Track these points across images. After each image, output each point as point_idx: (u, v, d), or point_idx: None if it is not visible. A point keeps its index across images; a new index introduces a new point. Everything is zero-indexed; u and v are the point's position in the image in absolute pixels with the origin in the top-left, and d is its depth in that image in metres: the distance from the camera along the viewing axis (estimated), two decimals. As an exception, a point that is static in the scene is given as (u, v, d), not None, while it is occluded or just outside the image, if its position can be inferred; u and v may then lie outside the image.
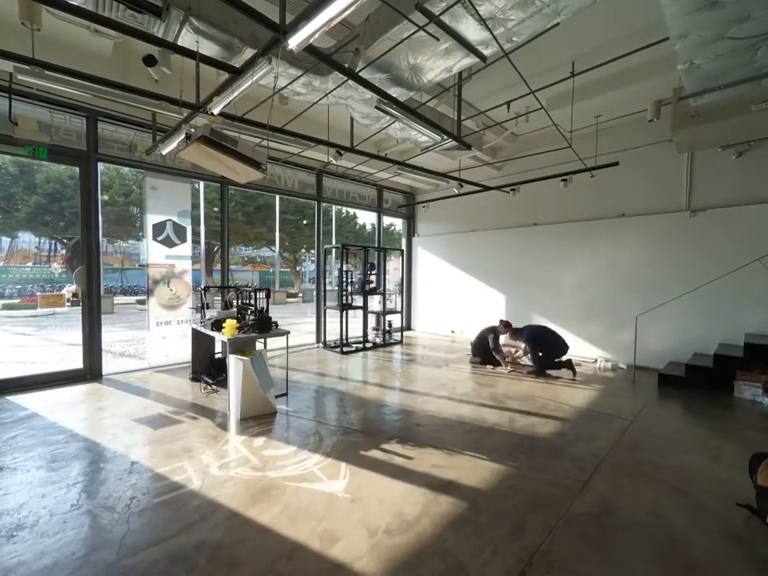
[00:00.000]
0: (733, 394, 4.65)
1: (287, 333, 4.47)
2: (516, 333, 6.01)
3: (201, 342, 5.15)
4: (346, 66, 3.13)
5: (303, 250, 25.44)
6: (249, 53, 3.21)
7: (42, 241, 23.71)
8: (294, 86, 3.74)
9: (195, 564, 1.92)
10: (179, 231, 5.79)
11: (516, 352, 6.32)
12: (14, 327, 11.16)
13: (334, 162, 5.71)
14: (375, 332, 8.30)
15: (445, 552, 2.02)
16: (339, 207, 11.44)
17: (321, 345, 7.67)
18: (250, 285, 4.99)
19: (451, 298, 8.87)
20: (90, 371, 5.13)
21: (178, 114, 3.93)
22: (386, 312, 7.97)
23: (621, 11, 3.80)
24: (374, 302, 8.40)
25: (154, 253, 5.58)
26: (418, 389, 4.94)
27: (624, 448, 3.28)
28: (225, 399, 4.22)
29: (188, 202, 5.89)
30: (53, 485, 2.61)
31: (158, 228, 5.61)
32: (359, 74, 3.35)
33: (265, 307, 4.63)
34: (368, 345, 7.62)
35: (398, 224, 11.85)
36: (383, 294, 8.06)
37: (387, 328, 8.09)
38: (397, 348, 7.68)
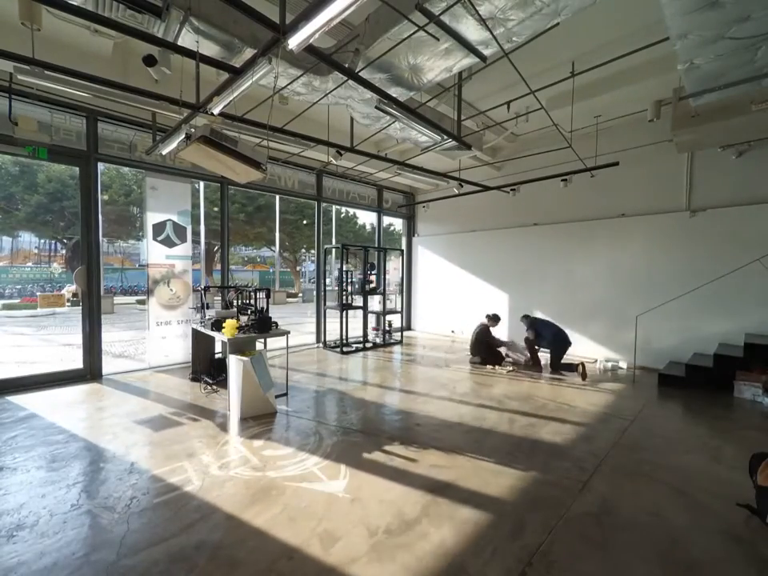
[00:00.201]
0: (733, 394, 4.65)
1: (287, 333, 4.47)
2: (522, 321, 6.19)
3: (201, 342, 5.15)
4: (346, 66, 3.13)
5: (303, 250, 25.44)
6: (249, 53, 3.21)
7: (42, 241, 23.72)
8: (294, 85, 3.74)
9: (195, 564, 1.92)
10: (179, 231, 5.79)
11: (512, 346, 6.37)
12: (14, 327, 11.16)
13: (334, 161, 5.71)
14: (375, 332, 8.30)
15: (445, 552, 2.02)
16: (339, 207, 11.44)
17: (321, 345, 7.66)
18: (250, 285, 4.99)
19: (451, 297, 8.86)
20: (90, 371, 5.13)
21: (177, 114, 3.93)
22: (385, 312, 7.97)
23: (621, 11, 3.80)
24: (374, 302, 8.40)
25: (153, 253, 5.58)
26: (417, 389, 4.94)
27: (624, 448, 3.28)
28: (225, 399, 4.22)
29: (188, 202, 5.89)
30: (53, 485, 2.62)
31: (158, 228, 5.61)
32: (359, 73, 3.35)
33: (265, 307, 4.63)
34: (368, 345, 7.62)
35: (397, 224, 11.85)
36: (383, 294, 8.06)
37: (387, 328, 8.09)
38: (397, 348, 7.68)
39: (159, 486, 2.61)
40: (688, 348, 5.56)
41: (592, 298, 6.61)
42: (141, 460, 2.97)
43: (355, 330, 7.84)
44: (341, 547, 2.04)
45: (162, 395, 4.52)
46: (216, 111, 3.56)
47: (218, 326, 4.31)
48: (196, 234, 6.40)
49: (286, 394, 4.52)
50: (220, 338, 4.23)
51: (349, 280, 7.37)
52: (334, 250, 8.05)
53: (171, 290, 5.73)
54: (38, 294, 16.04)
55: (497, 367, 5.99)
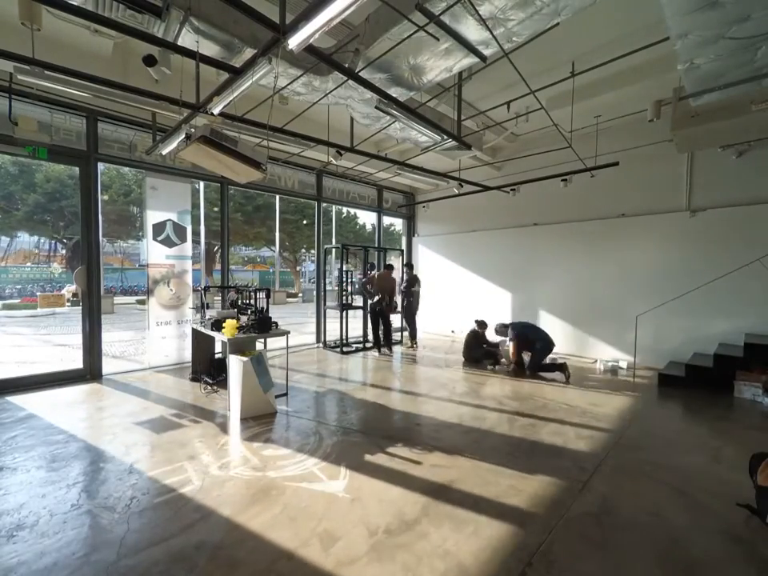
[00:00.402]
0: (733, 394, 4.65)
1: (287, 333, 4.47)
2: (505, 328, 6.05)
3: (201, 342, 5.14)
4: (346, 66, 3.13)
5: (303, 250, 25.45)
6: (249, 53, 3.21)
7: (42, 241, 23.72)
8: (294, 85, 3.74)
9: (195, 564, 1.92)
10: (179, 231, 5.79)
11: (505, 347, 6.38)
12: (14, 327, 11.16)
13: (334, 161, 5.71)
14: (375, 332, 8.28)
15: (445, 552, 2.02)
16: (339, 207, 11.44)
17: (321, 345, 7.66)
18: (250, 285, 4.99)
19: (451, 297, 8.86)
20: (90, 371, 5.13)
21: (178, 114, 3.93)
22: (386, 312, 7.95)
23: (621, 11, 3.80)
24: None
25: (153, 253, 5.58)
26: (417, 389, 4.94)
27: (624, 448, 3.28)
28: (225, 399, 4.21)
29: (188, 202, 5.89)
30: (53, 485, 2.61)
31: (158, 228, 5.61)
32: (359, 73, 3.35)
33: (265, 307, 4.63)
34: (368, 345, 7.62)
35: (398, 224, 11.85)
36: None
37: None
38: (397, 348, 7.67)
39: (159, 486, 2.61)
40: (688, 348, 5.56)
41: (592, 297, 6.61)
42: (141, 460, 2.97)
43: (355, 330, 7.84)
44: (341, 547, 2.04)
45: (162, 395, 4.52)
46: (216, 111, 3.57)
47: (218, 325, 4.31)
48: (196, 234, 6.40)
49: (286, 394, 4.52)
50: (220, 338, 4.23)
51: (349, 280, 7.38)
52: (333, 249, 8.06)
53: (171, 290, 5.73)
54: (37, 294, 16.05)
55: (496, 367, 5.99)
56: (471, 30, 2.95)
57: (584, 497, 2.55)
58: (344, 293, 7.20)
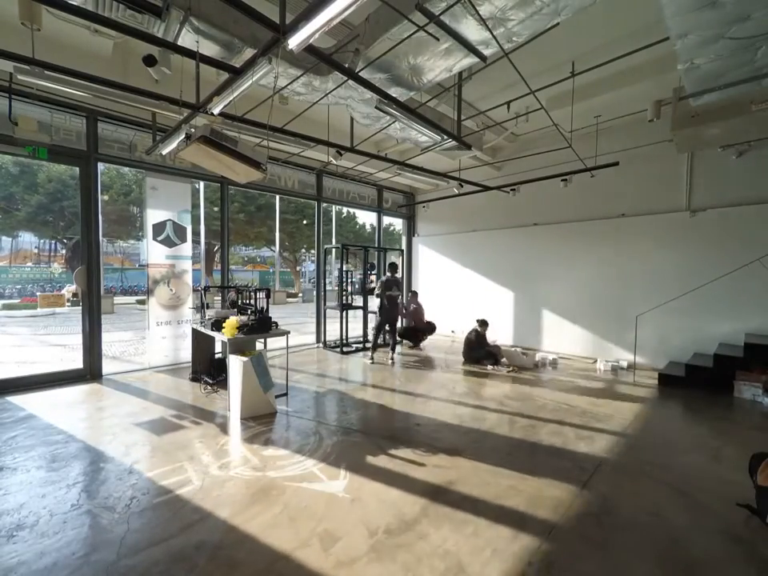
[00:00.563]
0: (733, 394, 4.65)
1: (287, 333, 4.47)
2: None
3: (201, 342, 5.14)
4: (346, 66, 3.13)
5: (303, 250, 25.45)
6: (249, 53, 3.21)
7: (42, 241, 23.73)
8: (294, 85, 3.74)
9: (195, 564, 1.92)
10: (179, 231, 5.79)
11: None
12: (14, 327, 11.16)
13: (334, 161, 5.71)
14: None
15: (445, 552, 2.02)
16: (339, 207, 11.45)
17: (321, 345, 7.66)
18: (250, 285, 4.99)
19: (451, 297, 8.86)
20: (90, 371, 5.13)
21: (178, 114, 3.93)
22: (386, 312, 7.94)
23: (621, 11, 3.80)
24: (374, 302, 8.38)
25: (153, 253, 5.58)
26: (417, 389, 4.94)
27: (624, 448, 3.28)
28: (225, 399, 4.21)
29: (188, 202, 5.89)
30: (53, 485, 2.61)
31: (158, 228, 5.61)
32: (359, 73, 3.35)
33: (265, 307, 4.63)
34: (368, 345, 7.61)
35: (397, 224, 11.86)
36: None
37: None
38: (397, 348, 7.67)
39: (159, 486, 2.61)
40: (688, 348, 5.56)
41: (592, 297, 6.60)
42: (141, 460, 2.97)
43: (355, 330, 7.84)
44: (341, 547, 2.04)
45: (162, 395, 4.52)
46: (216, 111, 3.57)
47: (217, 325, 4.31)
48: (196, 234, 6.41)
49: (286, 394, 4.52)
50: (220, 338, 4.23)
51: (349, 280, 7.37)
52: (333, 249, 8.06)
53: (171, 290, 5.73)
54: (38, 293, 16.05)
55: (496, 367, 5.99)
56: (471, 30, 2.95)
57: (584, 497, 2.55)
58: (344, 293, 7.20)
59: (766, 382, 4.44)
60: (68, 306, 15.18)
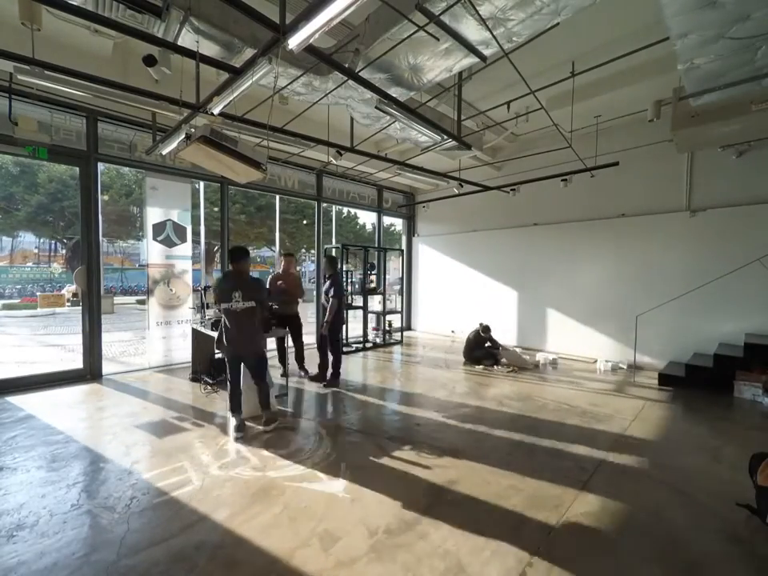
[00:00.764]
0: (733, 394, 4.65)
1: (286, 333, 4.47)
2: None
3: (201, 342, 5.14)
4: (346, 66, 3.13)
5: (303, 250, 25.43)
6: (249, 53, 3.21)
7: (42, 241, 23.72)
8: (294, 85, 3.74)
9: (195, 564, 1.92)
10: (179, 231, 5.79)
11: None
12: (14, 327, 11.16)
13: (334, 161, 5.70)
14: (375, 332, 8.29)
15: (445, 552, 2.02)
16: (339, 207, 11.45)
17: (321, 345, 7.65)
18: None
19: (451, 297, 8.86)
20: (90, 371, 5.12)
21: (178, 114, 3.93)
22: (386, 312, 7.97)
23: (621, 11, 3.80)
24: (374, 302, 8.39)
25: (153, 253, 5.58)
26: (417, 389, 4.93)
27: (624, 448, 3.28)
28: (225, 400, 4.20)
29: (188, 202, 5.89)
30: (53, 485, 2.61)
31: (158, 228, 5.61)
32: (359, 73, 3.34)
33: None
34: (368, 345, 7.62)
35: (398, 224, 11.85)
36: (383, 294, 8.06)
37: (387, 328, 8.09)
38: (397, 348, 7.68)
39: (159, 485, 2.61)
40: (688, 348, 5.56)
41: (592, 297, 6.60)
42: (141, 460, 2.97)
43: (355, 330, 7.84)
44: (341, 547, 2.04)
45: (162, 395, 4.52)
46: (216, 111, 3.56)
47: (217, 326, 4.31)
48: (196, 234, 6.40)
49: (285, 394, 4.52)
50: (220, 338, 4.22)
51: (349, 280, 7.37)
52: (334, 249, 8.04)
53: (171, 289, 5.73)
54: (38, 293, 16.04)
55: (496, 367, 5.99)
56: (471, 30, 2.95)
57: (584, 497, 2.55)
58: (344, 293, 7.19)
59: (766, 381, 4.43)
60: (68, 306, 15.14)
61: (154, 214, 5.56)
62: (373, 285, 7.77)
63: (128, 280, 23.25)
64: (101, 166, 5.25)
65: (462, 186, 6.88)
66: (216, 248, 18.55)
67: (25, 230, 19.84)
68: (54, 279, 20.28)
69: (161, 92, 3.68)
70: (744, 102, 3.75)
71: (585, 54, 4.41)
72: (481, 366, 6.06)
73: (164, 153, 4.46)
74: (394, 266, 9.92)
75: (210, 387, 4.73)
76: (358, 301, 7.70)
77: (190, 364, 5.28)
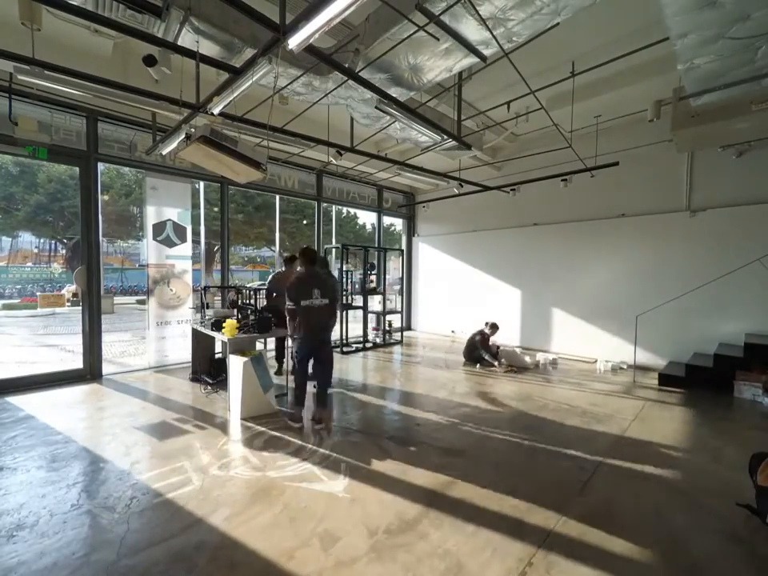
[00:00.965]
0: (733, 394, 4.65)
1: (287, 333, 4.47)
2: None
3: (201, 342, 5.14)
4: (346, 66, 3.13)
5: (303, 250, 25.39)
6: (249, 53, 3.21)
7: (42, 241, 23.71)
8: (294, 85, 3.74)
9: (195, 564, 1.92)
10: (179, 231, 5.79)
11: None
12: (14, 327, 11.15)
13: (334, 161, 5.71)
14: (375, 332, 8.29)
15: (445, 552, 2.02)
16: (339, 207, 11.45)
17: (321, 345, 7.64)
18: (252, 285, 4.98)
19: (451, 297, 8.86)
20: (90, 371, 5.12)
21: (178, 114, 3.93)
22: (386, 312, 7.96)
23: (621, 11, 3.80)
24: (374, 302, 8.39)
25: (153, 253, 5.58)
26: (417, 389, 4.93)
27: (624, 448, 3.28)
28: (225, 399, 4.21)
29: (188, 202, 5.89)
30: (53, 485, 2.61)
31: (158, 228, 5.61)
32: (359, 73, 3.35)
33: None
34: (368, 345, 7.62)
35: (398, 224, 11.85)
36: (383, 294, 8.06)
37: (387, 328, 8.08)
38: (397, 348, 7.68)
39: (159, 485, 2.61)
40: (688, 348, 5.56)
41: (591, 297, 6.60)
42: (141, 460, 2.97)
43: (355, 330, 7.83)
44: (341, 547, 2.04)
45: (162, 395, 4.52)
46: (216, 111, 3.56)
47: (217, 326, 4.31)
48: (196, 234, 6.39)
49: (285, 394, 4.52)
50: (220, 338, 4.23)
51: (349, 280, 7.37)
52: (334, 249, 8.04)
53: (171, 289, 5.73)
54: (37, 293, 16.04)
55: (495, 366, 5.99)
56: (471, 30, 2.95)
57: (584, 497, 2.55)
58: (344, 293, 7.20)
59: (766, 382, 4.43)
60: (68, 306, 15.14)
61: (153, 214, 5.56)
62: (373, 285, 7.76)
63: (128, 280, 23.23)
64: (101, 166, 5.25)
65: (461, 186, 6.89)
66: (216, 248, 18.55)
67: (24, 229, 19.82)
68: (54, 279, 20.27)
69: (161, 92, 3.69)
70: (744, 102, 3.75)
71: (585, 53, 4.41)
72: (480, 366, 6.06)
73: (164, 153, 4.47)
74: (394, 266, 9.92)
75: (209, 387, 4.73)
76: (358, 301, 7.70)
77: (190, 364, 5.28)
